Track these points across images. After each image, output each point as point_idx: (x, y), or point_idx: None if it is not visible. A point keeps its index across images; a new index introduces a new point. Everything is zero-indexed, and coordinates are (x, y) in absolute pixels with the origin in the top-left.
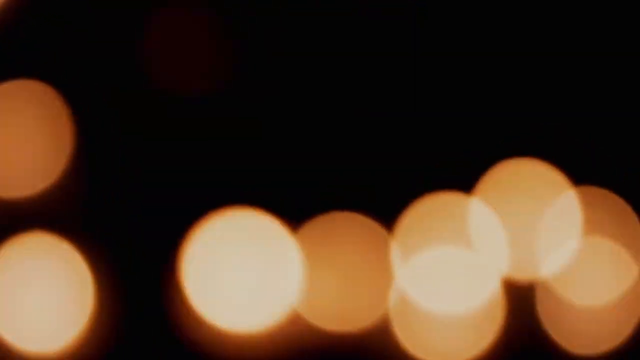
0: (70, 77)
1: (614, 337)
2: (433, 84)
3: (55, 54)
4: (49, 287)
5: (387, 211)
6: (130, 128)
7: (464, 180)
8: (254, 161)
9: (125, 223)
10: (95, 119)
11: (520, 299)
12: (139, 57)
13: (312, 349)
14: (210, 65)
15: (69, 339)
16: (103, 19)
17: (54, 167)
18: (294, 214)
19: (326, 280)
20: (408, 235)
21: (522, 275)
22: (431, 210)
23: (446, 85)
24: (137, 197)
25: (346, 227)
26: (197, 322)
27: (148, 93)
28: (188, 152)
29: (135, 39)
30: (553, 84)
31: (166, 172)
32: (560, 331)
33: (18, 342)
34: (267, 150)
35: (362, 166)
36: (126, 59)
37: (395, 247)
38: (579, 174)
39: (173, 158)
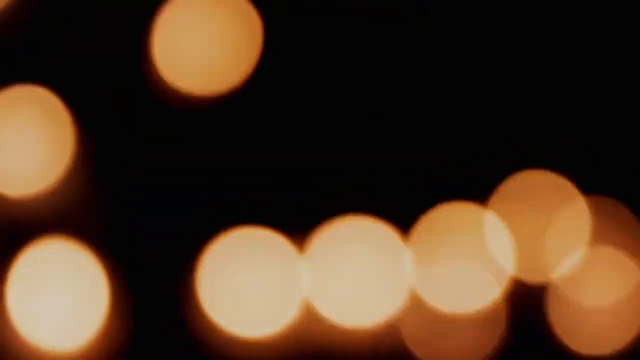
0: (72, 81)
1: (619, 338)
2: (448, 99)
3: (56, 57)
4: (68, 291)
5: (402, 218)
6: (147, 139)
7: (477, 189)
8: (270, 170)
9: (145, 235)
10: (109, 130)
11: (530, 302)
12: (143, 60)
13: (325, 346)
14: (213, 71)
15: (84, 341)
16: (102, 22)
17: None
18: (313, 219)
19: (340, 279)
20: (422, 239)
21: (532, 278)
22: (445, 217)
23: (459, 99)
24: (156, 210)
25: (362, 230)
26: (211, 328)
27: (161, 105)
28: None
29: (136, 41)
30: (567, 98)
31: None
32: (568, 332)
33: (38, 341)
34: (283, 158)
35: (380, 176)
36: (130, 63)
37: (409, 250)
38: (588, 184)
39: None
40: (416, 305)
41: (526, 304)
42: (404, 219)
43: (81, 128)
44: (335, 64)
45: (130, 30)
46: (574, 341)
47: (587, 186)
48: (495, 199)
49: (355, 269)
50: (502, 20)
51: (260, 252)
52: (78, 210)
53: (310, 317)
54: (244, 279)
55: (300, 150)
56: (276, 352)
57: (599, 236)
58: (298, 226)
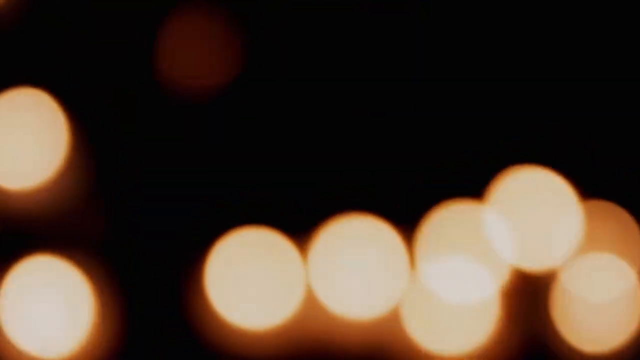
0: (68, 80)
1: (617, 334)
2: (446, 99)
3: (50, 56)
4: (71, 291)
5: (404, 215)
6: (148, 139)
7: (476, 186)
8: (274, 171)
9: (154, 230)
10: (110, 131)
11: (527, 296)
12: (147, 61)
13: (326, 336)
14: (213, 74)
15: (87, 339)
16: (98, 22)
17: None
18: (318, 217)
19: (342, 273)
20: (424, 236)
21: (530, 273)
22: (446, 214)
23: (456, 99)
24: (167, 212)
25: (363, 227)
26: (218, 320)
27: (164, 107)
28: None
29: (133, 41)
30: (563, 96)
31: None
32: (566, 326)
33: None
34: (286, 158)
35: (381, 175)
36: (131, 63)
37: (412, 246)
38: (586, 185)
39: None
40: (417, 298)
41: (525, 298)
42: (405, 217)
43: (79, 128)
44: (341, 63)
45: (125, 28)
46: (572, 335)
47: (584, 185)
48: (494, 195)
49: (357, 264)
50: (499, 19)
51: (265, 249)
52: (80, 209)
53: (312, 308)
54: (250, 273)
55: (304, 150)
56: (279, 342)
57: (595, 233)
58: (302, 224)
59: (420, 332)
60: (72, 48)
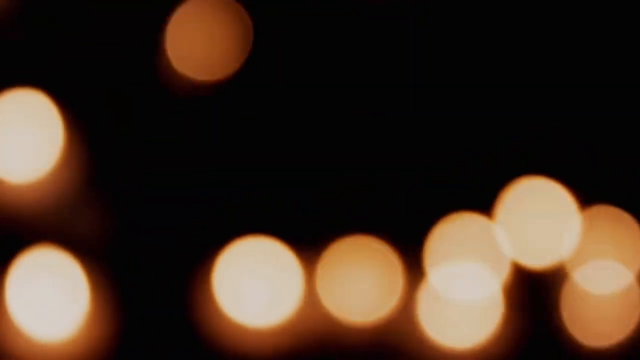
0: (68, 80)
1: (618, 332)
2: (447, 111)
3: (49, 56)
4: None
5: (410, 227)
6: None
7: (480, 198)
8: (283, 185)
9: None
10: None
11: (532, 295)
12: (146, 62)
13: (329, 340)
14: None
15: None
16: (96, 20)
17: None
18: (323, 230)
19: (345, 282)
20: (432, 242)
21: (534, 271)
22: (451, 226)
23: (457, 109)
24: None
25: (364, 244)
26: (221, 318)
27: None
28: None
29: (132, 39)
30: (569, 105)
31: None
32: (572, 325)
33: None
34: (292, 174)
35: (387, 187)
36: (126, 64)
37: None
38: (588, 190)
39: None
40: (425, 300)
41: (530, 297)
42: (411, 228)
43: (79, 126)
44: (345, 77)
45: (124, 26)
46: (577, 331)
47: (586, 192)
48: (497, 206)
49: (357, 268)
50: (506, 28)
51: (268, 257)
52: (79, 210)
53: (314, 310)
54: (253, 277)
55: (311, 159)
56: (280, 339)
57: (598, 235)
58: (307, 235)
59: (428, 331)
60: (69, 45)
